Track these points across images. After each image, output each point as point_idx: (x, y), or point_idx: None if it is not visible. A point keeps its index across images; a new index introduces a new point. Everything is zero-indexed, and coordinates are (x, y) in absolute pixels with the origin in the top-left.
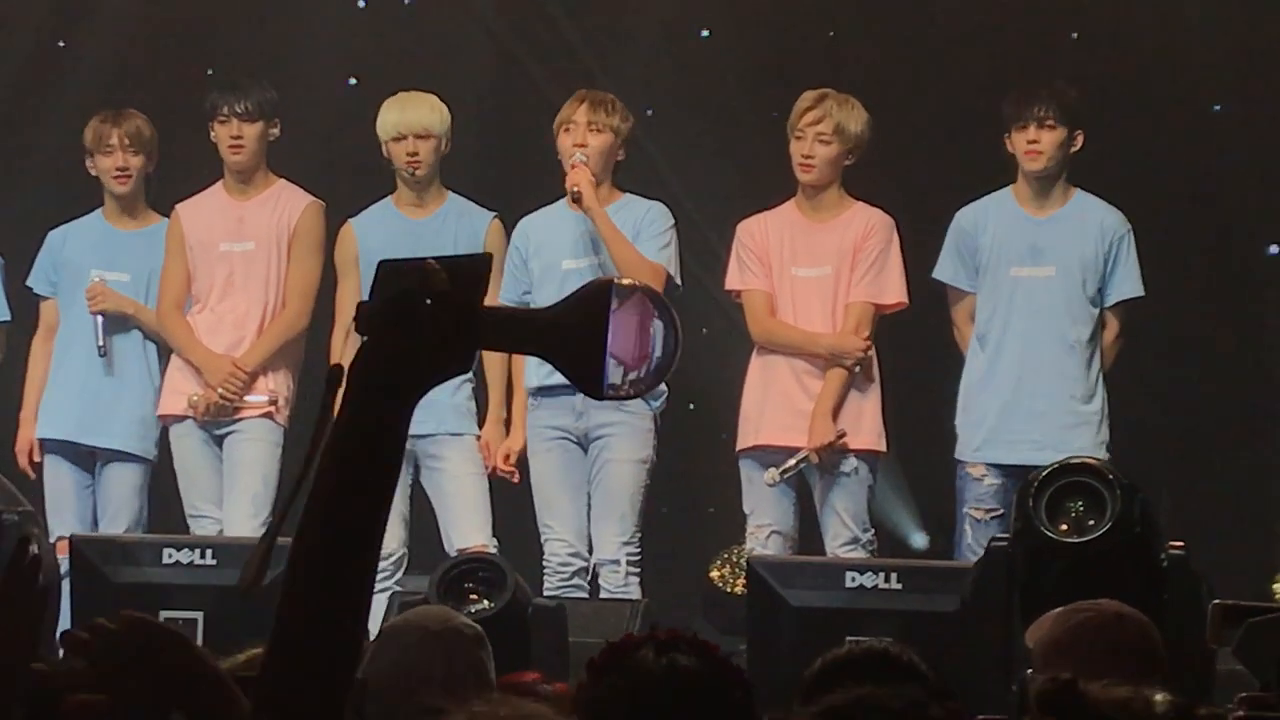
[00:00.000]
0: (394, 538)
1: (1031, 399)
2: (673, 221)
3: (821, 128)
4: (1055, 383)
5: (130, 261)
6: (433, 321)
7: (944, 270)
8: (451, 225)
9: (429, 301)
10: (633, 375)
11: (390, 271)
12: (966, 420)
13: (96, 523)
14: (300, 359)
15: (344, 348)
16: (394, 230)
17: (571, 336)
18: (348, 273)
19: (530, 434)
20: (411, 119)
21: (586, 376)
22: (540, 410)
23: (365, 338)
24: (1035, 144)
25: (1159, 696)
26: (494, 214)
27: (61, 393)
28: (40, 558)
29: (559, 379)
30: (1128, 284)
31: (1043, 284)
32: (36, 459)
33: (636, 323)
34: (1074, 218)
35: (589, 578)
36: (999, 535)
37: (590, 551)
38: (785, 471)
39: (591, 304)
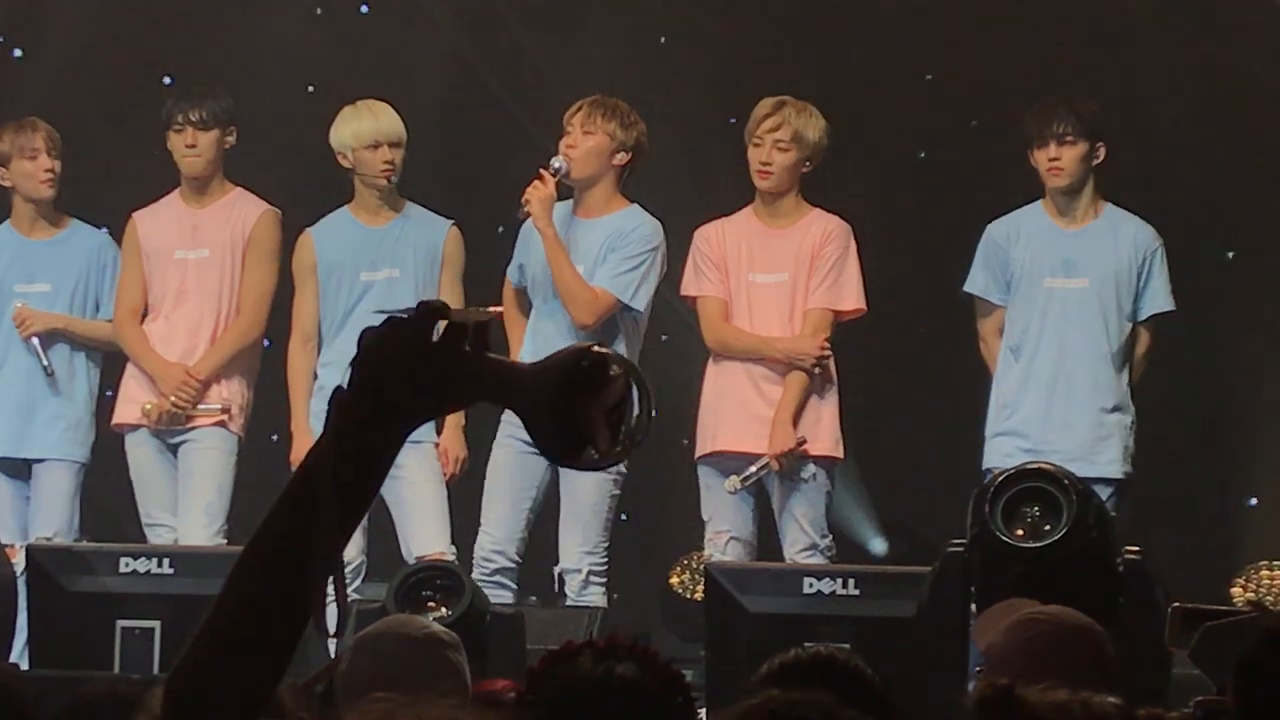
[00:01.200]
0: (352, 545)
1: (1066, 409)
2: (655, 244)
3: (780, 135)
4: (1089, 394)
5: (48, 271)
6: (444, 365)
7: (975, 283)
8: (410, 233)
9: (449, 344)
10: (605, 446)
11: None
12: (1000, 430)
13: None
14: (255, 367)
15: (300, 356)
16: (352, 238)
17: (552, 401)
18: (305, 281)
19: (497, 438)
20: (386, 127)
21: (559, 444)
22: (510, 418)
23: (363, 367)
24: (1056, 161)
25: (1097, 699)
26: (451, 221)
27: None
28: None
29: None
30: (1160, 298)
31: (1077, 295)
32: None
33: (615, 397)
34: (1106, 231)
35: (515, 579)
36: (955, 540)
37: (519, 556)
38: (746, 479)
39: (573, 370)
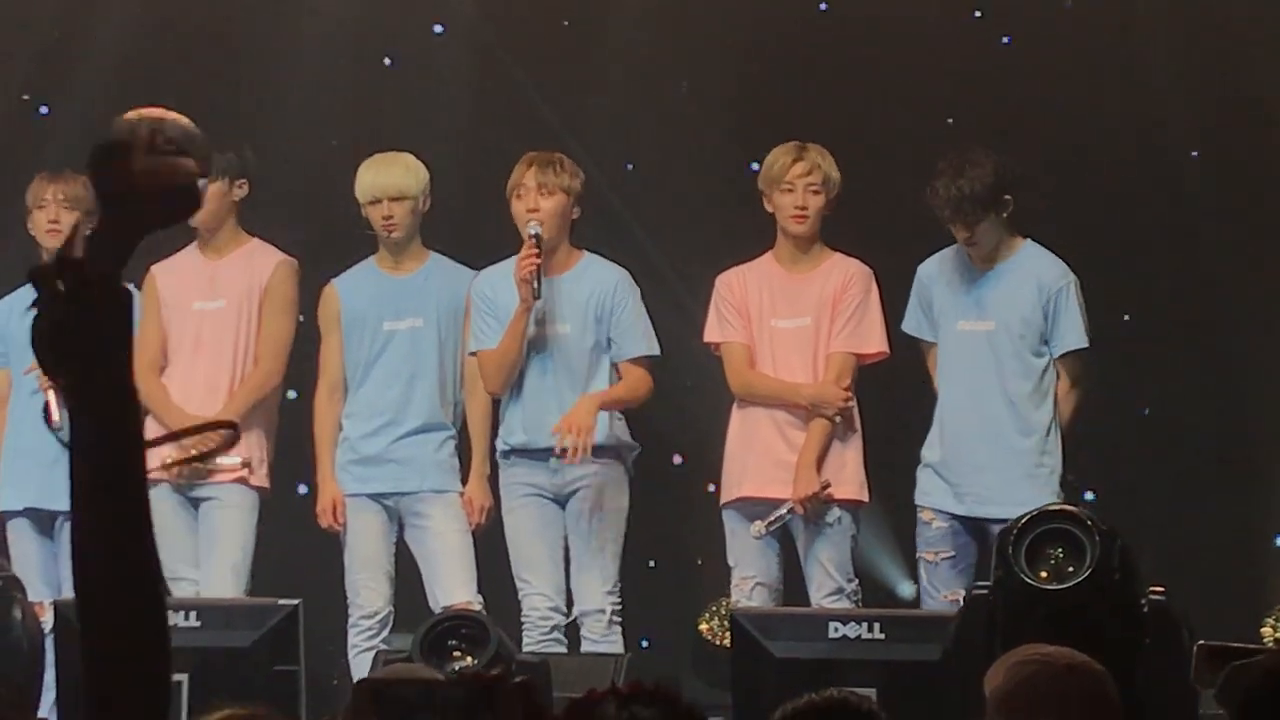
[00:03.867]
0: (379, 596)
1: (972, 453)
2: (637, 291)
3: (811, 178)
4: (994, 437)
5: None
6: (65, 294)
7: (909, 323)
8: (434, 283)
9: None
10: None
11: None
12: (921, 467)
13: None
14: (274, 419)
15: (327, 407)
16: (376, 289)
17: (125, 203)
18: (330, 331)
19: (504, 491)
20: (384, 182)
21: (184, 203)
22: (515, 468)
23: (35, 347)
24: (968, 237)
25: None
26: (475, 272)
27: (20, 460)
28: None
29: (534, 440)
30: (1070, 336)
31: (984, 338)
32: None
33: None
34: (1015, 271)
35: (566, 629)
36: (979, 583)
37: (569, 605)
38: (771, 524)
39: (101, 164)
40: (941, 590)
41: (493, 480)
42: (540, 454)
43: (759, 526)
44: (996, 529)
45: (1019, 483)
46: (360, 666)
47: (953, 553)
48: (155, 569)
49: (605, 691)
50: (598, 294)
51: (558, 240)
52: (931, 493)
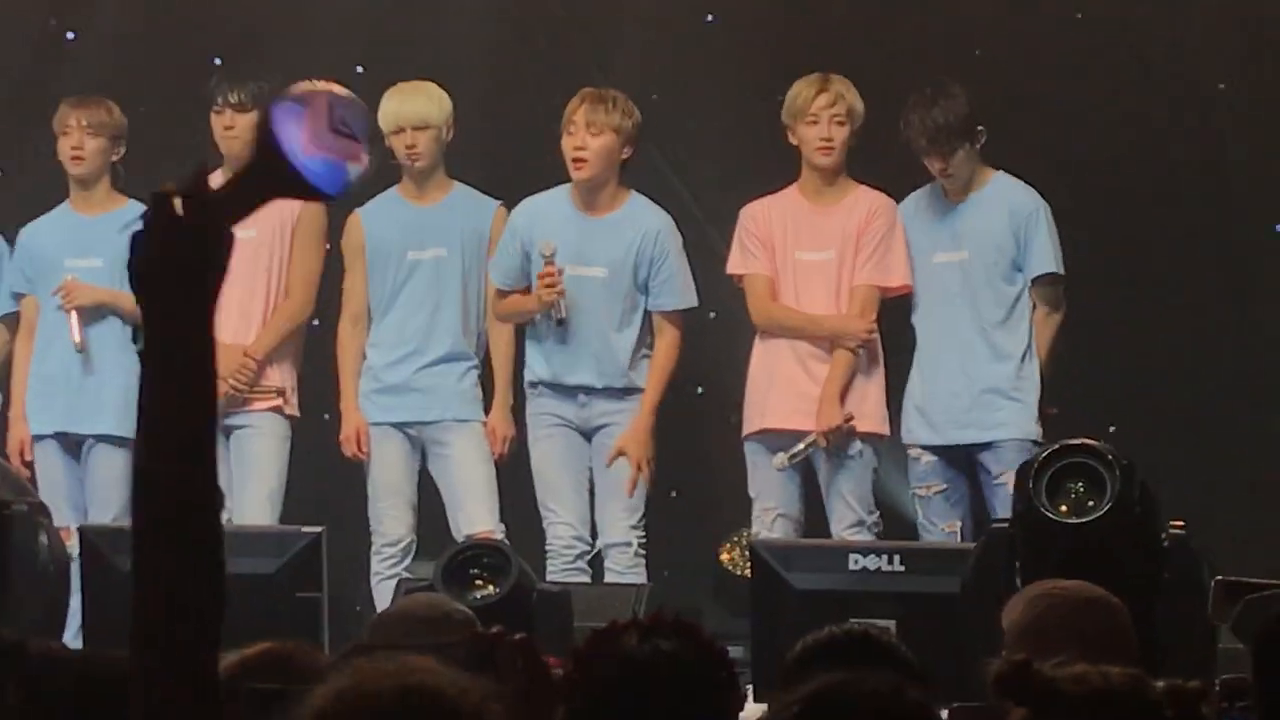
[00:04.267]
0: (402, 524)
1: (949, 381)
2: (679, 240)
3: (836, 109)
4: (967, 364)
5: (102, 247)
6: (181, 223)
7: None
8: (457, 213)
9: (170, 216)
10: (354, 167)
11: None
12: (906, 406)
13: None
14: (301, 350)
15: (350, 336)
16: (400, 219)
17: (274, 169)
18: (354, 261)
19: (531, 421)
20: (407, 111)
21: (311, 191)
22: (542, 399)
23: (135, 265)
24: (943, 169)
25: (1117, 671)
26: (499, 201)
27: (47, 385)
28: None
29: (560, 376)
30: (1042, 260)
31: (957, 268)
32: (28, 457)
33: (325, 121)
34: (987, 200)
35: (590, 561)
36: (998, 518)
37: (594, 536)
38: (794, 456)
39: (265, 134)
40: (939, 523)
41: (517, 410)
42: (567, 389)
43: (782, 459)
44: (980, 455)
45: (992, 407)
46: (383, 594)
47: (944, 485)
48: (216, 498)
49: (627, 623)
50: (640, 241)
51: (604, 179)
52: (914, 429)
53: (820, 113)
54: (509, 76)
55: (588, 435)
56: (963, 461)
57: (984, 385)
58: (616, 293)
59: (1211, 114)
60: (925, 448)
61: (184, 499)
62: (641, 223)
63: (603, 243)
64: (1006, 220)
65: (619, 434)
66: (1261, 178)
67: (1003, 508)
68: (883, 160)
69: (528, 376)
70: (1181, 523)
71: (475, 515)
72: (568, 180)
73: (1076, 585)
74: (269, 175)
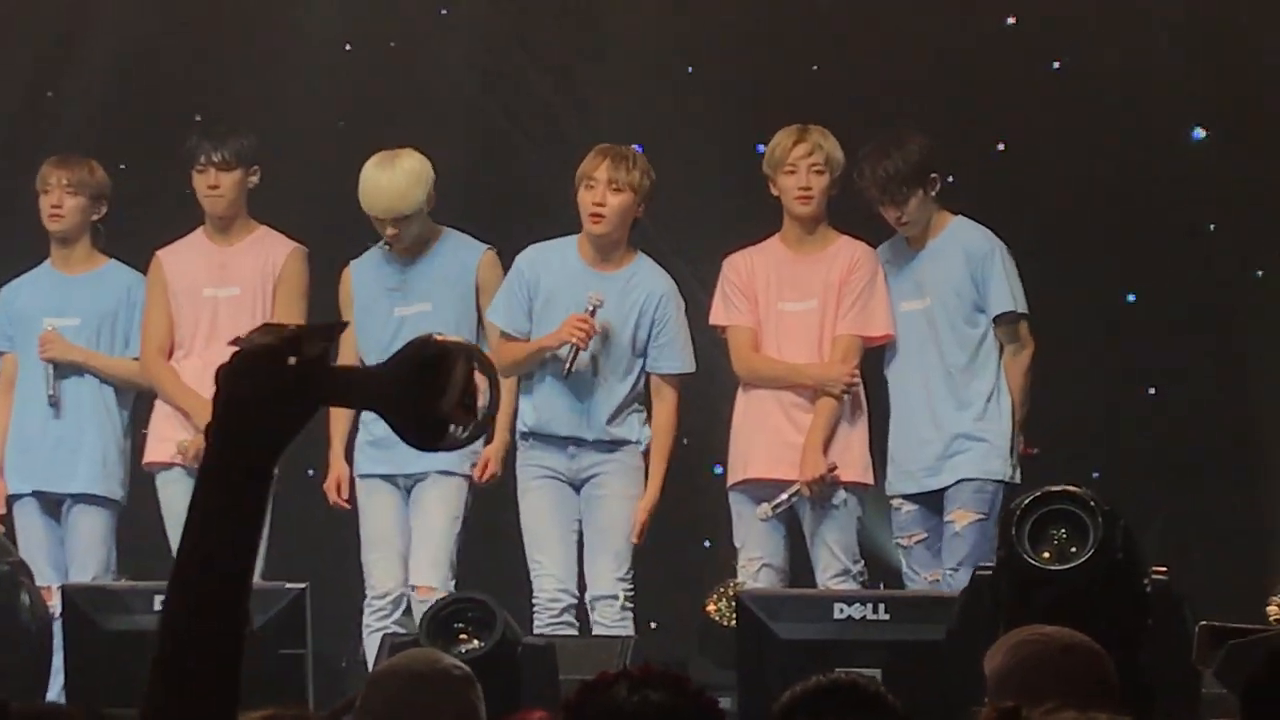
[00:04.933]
0: (391, 576)
1: (920, 429)
2: (682, 304)
3: (814, 159)
4: (937, 411)
5: (78, 306)
6: (292, 375)
7: None
8: (441, 265)
9: (291, 358)
10: (462, 430)
11: (261, 332)
12: (888, 455)
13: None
14: None
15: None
16: (384, 274)
17: (406, 394)
18: (345, 315)
19: (521, 472)
20: (382, 205)
21: (420, 432)
22: (532, 450)
23: (224, 389)
24: (898, 218)
25: (1104, 716)
26: (487, 246)
27: (25, 444)
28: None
29: (552, 425)
30: (997, 300)
31: (920, 316)
32: (0, 511)
33: (463, 380)
34: (944, 246)
35: (576, 615)
36: (982, 565)
37: (581, 589)
38: (778, 506)
39: (419, 362)
40: (922, 572)
41: (508, 461)
42: (557, 440)
43: (765, 509)
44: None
45: (964, 454)
46: (374, 647)
47: (924, 534)
48: (247, 603)
49: (617, 674)
50: (644, 302)
51: (618, 236)
52: (893, 480)
53: (798, 162)
54: (490, 128)
55: (577, 486)
56: (941, 508)
57: (954, 431)
58: (615, 348)
59: (1190, 157)
60: (905, 497)
61: (221, 613)
62: (648, 284)
63: (608, 299)
64: (963, 264)
65: (608, 483)
66: (1241, 221)
67: (948, 553)
68: (866, 209)
69: (519, 427)
70: (1164, 569)
71: (422, 566)
72: (552, 233)
73: (1058, 631)
74: (398, 395)
